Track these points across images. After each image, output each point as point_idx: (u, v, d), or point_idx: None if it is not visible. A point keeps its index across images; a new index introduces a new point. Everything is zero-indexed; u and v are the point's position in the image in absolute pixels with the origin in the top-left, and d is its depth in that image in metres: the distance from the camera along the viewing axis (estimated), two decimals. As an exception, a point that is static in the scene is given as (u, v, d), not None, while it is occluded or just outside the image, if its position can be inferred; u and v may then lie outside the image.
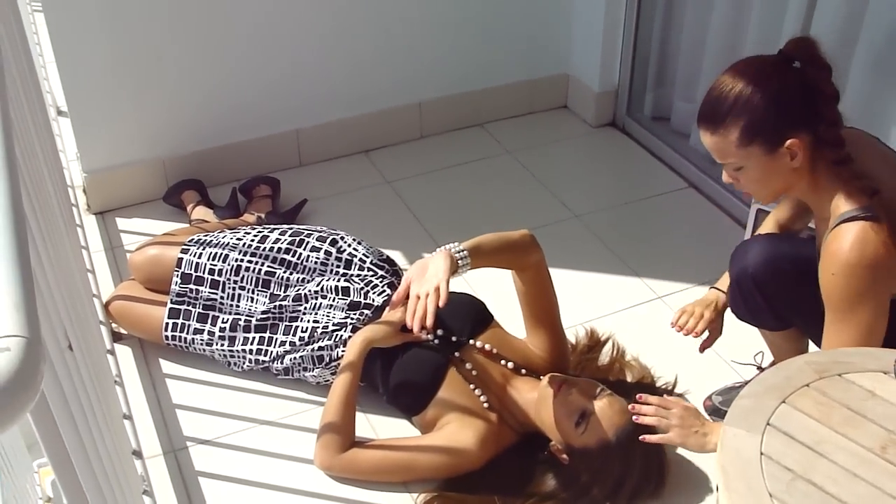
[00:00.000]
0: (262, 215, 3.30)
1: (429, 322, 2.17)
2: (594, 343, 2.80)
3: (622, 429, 2.27)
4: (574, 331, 2.80)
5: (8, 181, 0.93)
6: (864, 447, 1.59)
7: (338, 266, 2.69)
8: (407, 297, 2.26)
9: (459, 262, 2.27)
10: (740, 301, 2.30)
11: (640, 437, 2.15)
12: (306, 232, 2.77)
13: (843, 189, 1.99)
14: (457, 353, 2.52)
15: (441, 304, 2.18)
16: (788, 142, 1.97)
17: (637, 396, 2.16)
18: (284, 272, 2.69)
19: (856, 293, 1.92)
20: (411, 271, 2.28)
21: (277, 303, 2.65)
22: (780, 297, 2.15)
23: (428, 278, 2.22)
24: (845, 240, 1.94)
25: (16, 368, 0.74)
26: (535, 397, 2.42)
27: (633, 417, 2.15)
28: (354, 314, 2.60)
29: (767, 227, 2.41)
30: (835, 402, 1.67)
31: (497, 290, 2.80)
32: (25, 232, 0.92)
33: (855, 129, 2.12)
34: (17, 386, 0.74)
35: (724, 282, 2.42)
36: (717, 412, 2.59)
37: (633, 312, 3.03)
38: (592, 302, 3.05)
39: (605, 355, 2.77)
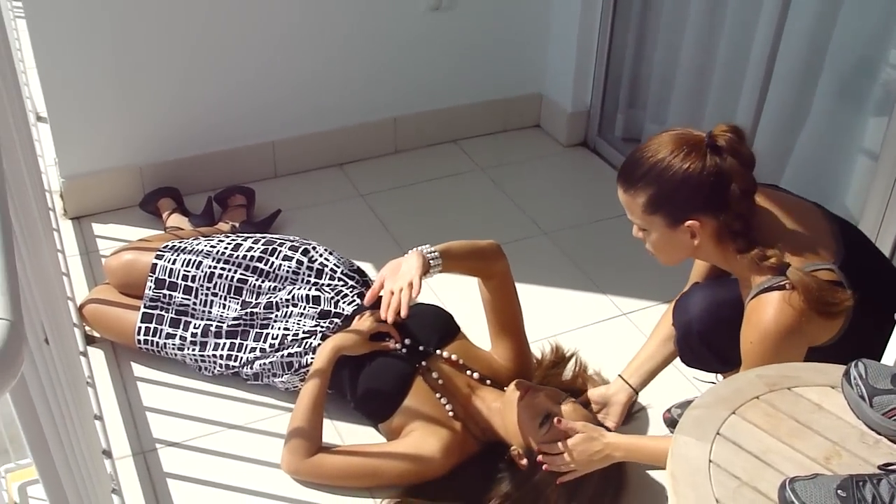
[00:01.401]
0: (237, 224, 3.35)
1: (403, 313, 2.23)
2: (559, 359, 2.84)
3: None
4: (540, 346, 2.85)
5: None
6: (808, 457, 1.65)
7: (309, 275, 2.74)
8: (380, 299, 2.32)
9: (431, 262, 2.33)
10: (688, 354, 2.41)
11: (556, 481, 2.32)
12: (279, 241, 2.82)
13: (754, 265, 2.07)
14: (423, 363, 2.57)
15: (414, 295, 2.24)
16: (688, 223, 2.05)
17: (537, 458, 2.34)
18: (256, 280, 2.74)
19: (773, 358, 2.00)
20: (385, 270, 2.35)
21: (249, 310, 2.70)
22: (724, 344, 2.22)
23: (402, 275, 2.29)
24: (763, 312, 2.02)
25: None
26: (498, 406, 2.48)
27: (543, 468, 2.33)
28: (324, 322, 2.66)
29: (696, 274, 2.51)
30: (783, 414, 1.74)
31: (464, 302, 2.86)
32: (10, 223, 0.97)
33: (769, 191, 2.19)
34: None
35: (636, 372, 2.58)
36: (675, 424, 2.65)
37: (598, 328, 3.09)
38: (559, 317, 3.11)
39: (568, 371, 2.82)
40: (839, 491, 1.49)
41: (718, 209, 2.03)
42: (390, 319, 2.26)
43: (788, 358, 2.00)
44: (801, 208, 2.18)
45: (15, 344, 0.81)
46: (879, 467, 1.55)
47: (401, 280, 2.28)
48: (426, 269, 2.31)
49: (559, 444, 2.32)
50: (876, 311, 2.04)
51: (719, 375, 2.72)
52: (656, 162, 2.04)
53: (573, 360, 2.85)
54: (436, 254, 2.35)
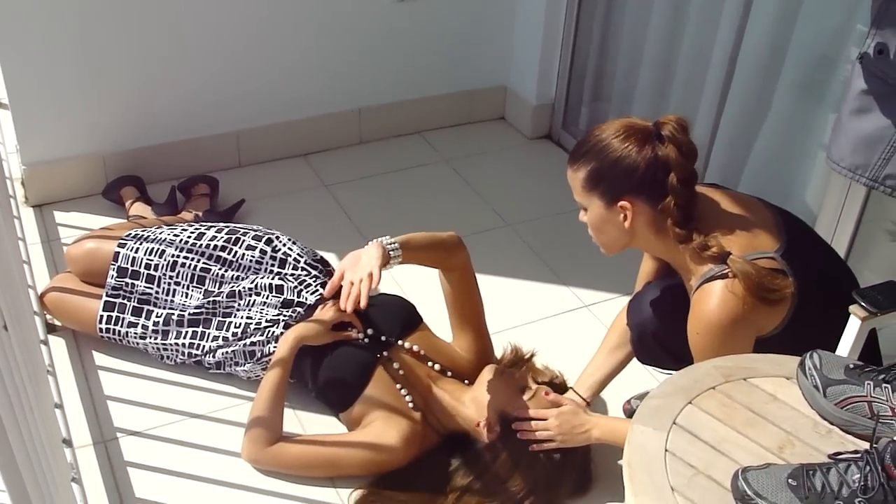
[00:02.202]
0: (200, 213, 3.35)
1: (363, 303, 2.24)
2: (518, 359, 2.84)
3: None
4: (501, 338, 2.85)
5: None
6: (762, 447, 1.68)
7: (272, 264, 2.75)
8: (339, 291, 2.33)
9: (391, 253, 2.34)
10: (644, 354, 2.49)
11: (530, 448, 2.36)
12: (243, 230, 2.82)
13: (695, 255, 2.11)
14: (385, 353, 2.58)
15: (374, 285, 2.25)
16: (621, 203, 2.11)
17: (513, 425, 2.38)
18: (220, 269, 2.74)
19: (720, 348, 2.04)
20: (344, 261, 2.35)
21: (211, 298, 2.70)
22: (679, 343, 2.24)
23: (361, 266, 2.30)
24: (707, 301, 2.07)
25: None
26: (460, 396, 2.50)
27: (518, 435, 2.36)
28: (287, 311, 2.66)
29: (645, 273, 2.57)
30: (738, 405, 1.76)
31: (427, 293, 2.87)
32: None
33: (710, 187, 2.25)
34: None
35: (584, 383, 2.62)
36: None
37: (559, 320, 3.12)
38: (520, 308, 3.13)
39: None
40: (790, 480, 1.52)
41: (655, 195, 2.09)
42: (350, 309, 2.26)
43: (736, 347, 2.04)
44: (743, 200, 2.23)
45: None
46: (829, 456, 1.58)
47: (360, 271, 2.29)
48: (386, 261, 2.32)
49: (548, 411, 2.37)
50: (819, 300, 2.09)
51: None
52: (599, 140, 2.13)
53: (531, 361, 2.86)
54: (395, 245, 2.36)
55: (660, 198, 2.09)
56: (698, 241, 2.08)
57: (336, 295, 2.53)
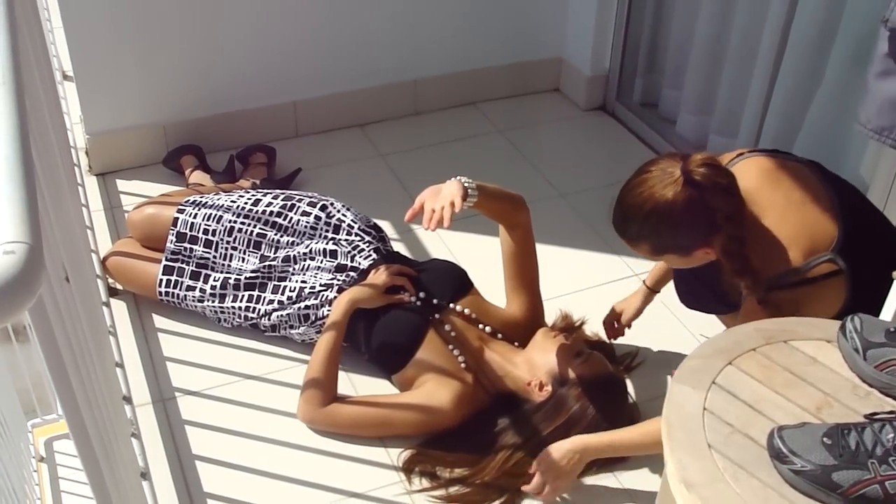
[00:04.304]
0: (258, 181, 3.41)
1: (446, 222, 2.31)
2: (568, 326, 2.88)
3: (611, 374, 2.54)
4: (552, 312, 2.89)
5: (16, 110, 1.06)
6: (800, 407, 1.70)
7: (327, 230, 2.81)
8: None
9: (469, 191, 2.41)
10: (686, 294, 2.54)
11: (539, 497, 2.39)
12: (297, 197, 2.89)
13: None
14: (437, 316, 2.63)
15: (457, 211, 2.33)
16: (698, 251, 2.16)
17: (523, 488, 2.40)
18: (275, 234, 2.81)
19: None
20: (424, 193, 2.43)
21: (267, 263, 2.77)
22: (716, 277, 2.28)
23: (443, 196, 2.38)
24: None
25: (19, 269, 0.86)
26: (512, 357, 2.56)
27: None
28: (341, 276, 2.72)
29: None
30: (778, 366, 1.79)
31: (479, 260, 2.92)
32: (32, 159, 1.04)
33: (767, 155, 2.27)
34: (18, 285, 0.86)
35: (650, 276, 2.73)
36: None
37: (610, 288, 3.14)
38: (571, 276, 3.17)
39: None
40: (825, 438, 1.54)
41: (717, 230, 2.11)
42: (433, 229, 2.32)
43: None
44: (798, 184, 2.22)
45: (34, 266, 0.88)
46: (865, 416, 1.60)
47: (442, 200, 2.36)
48: (464, 197, 2.39)
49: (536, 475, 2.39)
50: (874, 286, 2.09)
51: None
52: (644, 217, 2.12)
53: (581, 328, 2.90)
54: (473, 185, 2.44)
55: (719, 231, 2.12)
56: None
57: (389, 258, 2.60)
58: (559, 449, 2.36)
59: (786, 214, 2.16)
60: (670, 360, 2.79)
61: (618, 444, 2.35)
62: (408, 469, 2.46)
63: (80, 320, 1.56)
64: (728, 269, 2.15)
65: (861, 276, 2.10)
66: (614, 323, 2.81)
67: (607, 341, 2.83)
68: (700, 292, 2.47)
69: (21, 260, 0.87)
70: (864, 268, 2.10)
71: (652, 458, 2.45)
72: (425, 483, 2.44)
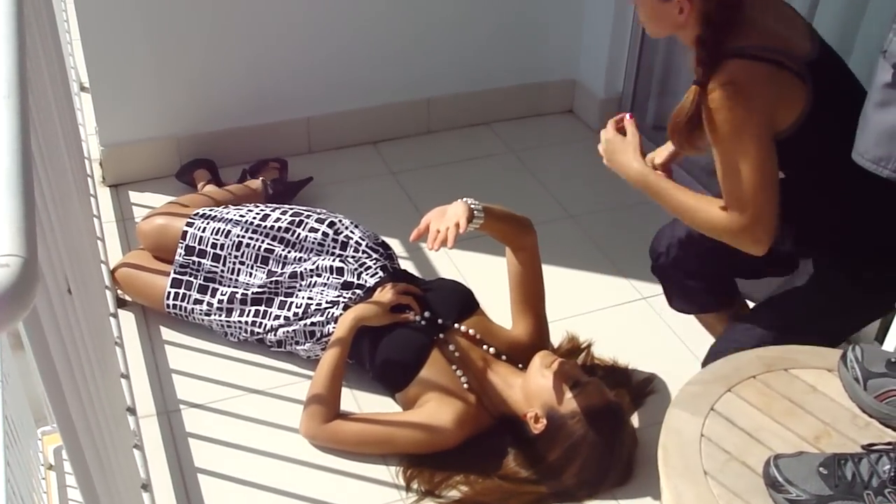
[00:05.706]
0: (269, 181, 3.44)
1: (449, 243, 2.34)
2: (574, 348, 2.88)
3: (608, 404, 2.46)
4: (559, 327, 2.89)
5: (18, 123, 1.08)
6: (799, 436, 1.71)
7: (334, 247, 2.82)
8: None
9: (475, 213, 2.43)
10: (674, 291, 2.62)
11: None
12: (306, 213, 2.90)
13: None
14: (441, 335, 2.64)
15: (461, 232, 2.35)
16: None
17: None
18: (283, 250, 2.82)
19: (739, 122, 2.03)
20: (430, 214, 2.46)
21: (274, 278, 2.78)
22: (700, 263, 2.29)
23: (448, 217, 2.41)
24: (723, 74, 2.04)
25: (12, 282, 0.88)
26: (513, 382, 2.55)
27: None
28: (347, 293, 2.73)
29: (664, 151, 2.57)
30: (777, 394, 1.79)
31: (484, 281, 2.92)
32: (32, 173, 1.05)
33: None
34: (11, 298, 0.87)
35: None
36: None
37: (617, 311, 3.14)
38: (578, 298, 3.17)
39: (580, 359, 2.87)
40: (821, 468, 1.54)
41: None
42: (436, 249, 2.35)
43: (755, 127, 2.04)
44: (787, 11, 2.20)
45: (27, 280, 0.89)
46: (863, 447, 1.60)
47: (448, 221, 2.39)
48: (470, 218, 2.41)
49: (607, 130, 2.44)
50: (835, 108, 2.08)
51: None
52: None
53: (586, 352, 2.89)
54: (479, 207, 2.46)
55: None
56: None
57: (395, 277, 2.61)
58: (629, 164, 2.37)
59: (766, 21, 2.13)
60: (677, 386, 2.78)
61: (667, 195, 2.28)
62: (408, 482, 2.47)
63: (82, 332, 1.57)
64: (693, 32, 2.09)
65: (823, 95, 2.06)
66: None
67: (619, 366, 2.82)
68: (691, 287, 2.52)
69: (15, 273, 0.88)
70: (826, 90, 2.08)
71: (649, 484, 2.45)
72: (427, 502, 2.43)
